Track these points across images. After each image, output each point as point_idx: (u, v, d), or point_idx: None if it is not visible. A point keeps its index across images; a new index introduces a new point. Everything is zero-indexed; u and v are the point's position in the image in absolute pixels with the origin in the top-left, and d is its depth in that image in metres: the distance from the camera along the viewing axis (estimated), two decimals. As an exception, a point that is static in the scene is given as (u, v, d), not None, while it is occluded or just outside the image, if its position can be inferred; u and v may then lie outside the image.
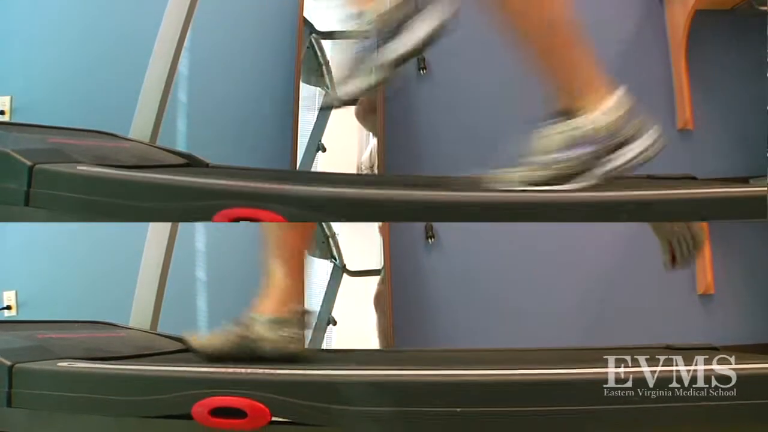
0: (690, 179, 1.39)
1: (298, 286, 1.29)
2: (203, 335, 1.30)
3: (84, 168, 1.14)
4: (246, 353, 1.23)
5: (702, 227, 1.20)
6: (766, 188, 1.07)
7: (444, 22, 1.06)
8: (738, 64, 2.31)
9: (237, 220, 1.05)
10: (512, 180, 1.08)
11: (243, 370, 1.05)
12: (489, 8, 1.09)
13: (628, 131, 1.11)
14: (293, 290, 1.28)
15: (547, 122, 1.10)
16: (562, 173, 1.07)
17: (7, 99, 2.27)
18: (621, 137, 1.10)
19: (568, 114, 1.10)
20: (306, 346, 1.30)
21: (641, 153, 1.11)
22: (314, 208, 1.05)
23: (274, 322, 1.24)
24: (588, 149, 1.08)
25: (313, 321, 1.30)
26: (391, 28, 1.07)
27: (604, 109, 1.10)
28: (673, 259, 1.25)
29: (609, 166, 1.09)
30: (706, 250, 2.19)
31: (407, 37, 1.06)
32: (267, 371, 1.05)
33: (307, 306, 1.30)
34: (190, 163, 1.45)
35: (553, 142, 1.09)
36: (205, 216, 1.06)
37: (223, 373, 1.06)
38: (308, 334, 1.31)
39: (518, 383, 1.00)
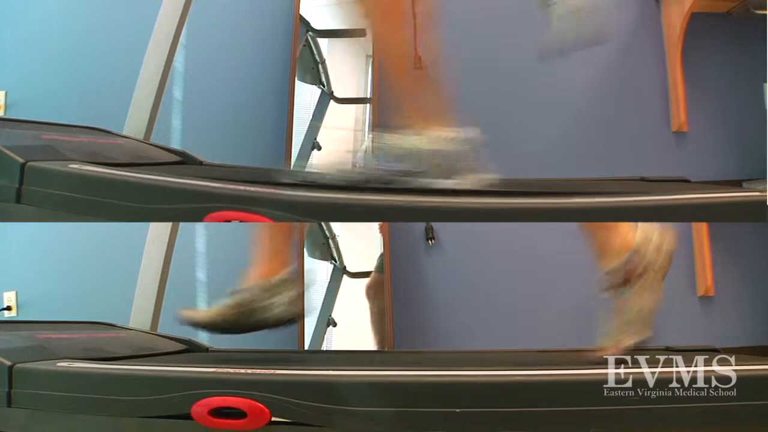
0: (684, 182, 1.40)
1: (285, 254, 1.28)
2: (201, 309, 1.30)
3: (76, 166, 1.14)
4: (239, 324, 1.24)
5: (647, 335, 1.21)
6: (760, 193, 1.08)
7: None
8: (733, 68, 2.32)
9: (228, 220, 1.05)
10: None
11: (243, 370, 1.05)
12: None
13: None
14: (280, 257, 1.27)
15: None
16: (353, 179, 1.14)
17: (1, 94, 2.27)
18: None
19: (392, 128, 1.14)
20: (302, 310, 1.29)
21: None
22: (300, 212, 1.06)
23: (263, 288, 1.24)
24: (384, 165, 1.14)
25: (309, 281, 1.30)
26: None
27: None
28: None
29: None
30: (706, 253, 2.20)
31: None
32: (267, 371, 1.05)
33: (295, 267, 1.28)
34: (184, 160, 1.45)
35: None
36: (196, 217, 1.06)
37: (222, 373, 1.06)
38: (305, 293, 1.31)
39: (518, 384, 1.00)
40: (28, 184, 1.12)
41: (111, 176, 1.13)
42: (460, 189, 1.10)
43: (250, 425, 1.01)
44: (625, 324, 1.19)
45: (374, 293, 2.22)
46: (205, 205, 1.06)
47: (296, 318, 1.26)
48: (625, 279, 1.18)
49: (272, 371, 1.05)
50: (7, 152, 1.14)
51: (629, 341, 1.17)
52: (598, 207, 1.09)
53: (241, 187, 1.08)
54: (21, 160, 1.12)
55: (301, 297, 1.27)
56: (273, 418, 1.01)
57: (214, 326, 1.27)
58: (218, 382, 1.03)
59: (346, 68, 2.39)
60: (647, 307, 1.19)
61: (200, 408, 1.02)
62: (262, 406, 1.00)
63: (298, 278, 1.27)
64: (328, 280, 2.27)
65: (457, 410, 0.97)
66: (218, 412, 1.02)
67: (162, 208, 1.09)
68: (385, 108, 2.26)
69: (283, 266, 1.26)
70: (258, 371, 1.05)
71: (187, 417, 1.03)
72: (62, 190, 1.12)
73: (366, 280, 2.26)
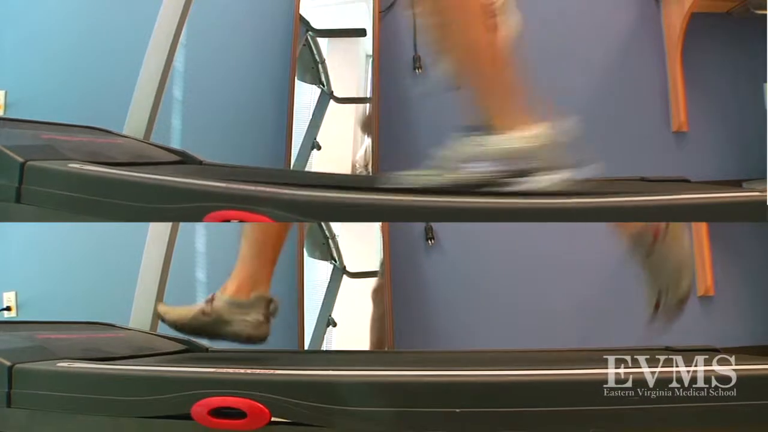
0: (683, 182, 1.39)
1: (266, 273, 1.30)
2: (176, 308, 1.33)
3: (75, 166, 1.13)
4: (206, 330, 1.27)
5: (689, 284, 1.21)
6: (760, 193, 1.08)
7: None
8: (733, 68, 2.32)
9: (227, 220, 1.05)
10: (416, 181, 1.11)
11: (243, 370, 1.05)
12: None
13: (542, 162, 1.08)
14: (260, 276, 1.29)
15: (466, 133, 1.11)
16: (467, 182, 1.08)
17: (1, 94, 2.27)
18: (532, 165, 1.08)
19: (486, 129, 1.10)
20: (269, 334, 1.31)
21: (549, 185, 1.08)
22: (300, 212, 1.06)
23: (235, 304, 1.26)
24: (492, 167, 1.08)
25: (277, 310, 1.32)
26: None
27: (521, 134, 1.09)
28: (657, 307, 1.24)
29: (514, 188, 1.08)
30: (706, 253, 2.20)
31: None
32: (267, 371, 1.05)
33: (272, 294, 1.31)
34: (184, 160, 1.45)
35: (465, 152, 1.09)
36: (196, 217, 1.06)
37: (222, 373, 1.06)
38: (272, 322, 1.32)
39: (518, 384, 1.00)
40: (28, 183, 1.12)
41: (111, 176, 1.12)
42: (556, 189, 1.07)
43: (250, 425, 1.01)
44: (670, 277, 1.18)
45: (379, 296, 2.23)
46: (204, 204, 1.05)
47: (257, 340, 1.29)
48: (654, 236, 1.18)
49: (272, 371, 1.05)
50: (7, 152, 1.13)
51: (683, 291, 1.18)
52: (598, 207, 1.09)
53: (241, 187, 1.08)
54: (21, 160, 1.12)
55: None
56: (273, 418, 1.01)
57: (180, 327, 1.31)
58: (218, 382, 1.03)
59: (346, 68, 2.39)
60: (684, 253, 1.19)
61: (200, 408, 1.02)
62: (261, 406, 1.00)
63: (266, 304, 1.29)
64: (328, 280, 2.27)
65: (457, 410, 0.97)
66: (218, 413, 1.02)
67: (162, 208, 1.08)
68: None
69: (256, 289, 1.29)
70: (258, 371, 1.05)
71: (187, 417, 1.03)
72: (62, 190, 1.11)
73: (371, 284, 2.26)
